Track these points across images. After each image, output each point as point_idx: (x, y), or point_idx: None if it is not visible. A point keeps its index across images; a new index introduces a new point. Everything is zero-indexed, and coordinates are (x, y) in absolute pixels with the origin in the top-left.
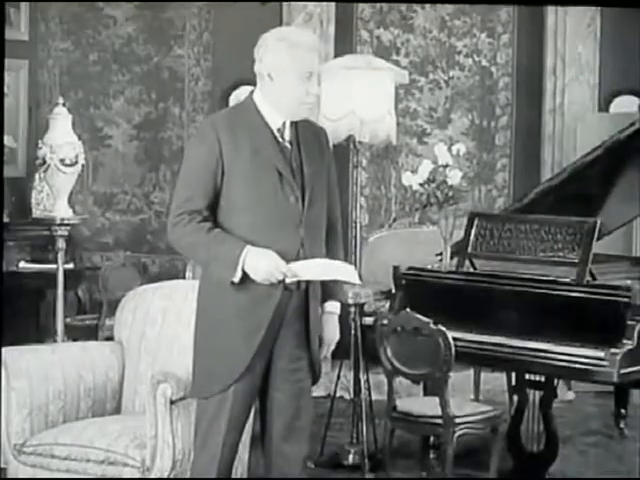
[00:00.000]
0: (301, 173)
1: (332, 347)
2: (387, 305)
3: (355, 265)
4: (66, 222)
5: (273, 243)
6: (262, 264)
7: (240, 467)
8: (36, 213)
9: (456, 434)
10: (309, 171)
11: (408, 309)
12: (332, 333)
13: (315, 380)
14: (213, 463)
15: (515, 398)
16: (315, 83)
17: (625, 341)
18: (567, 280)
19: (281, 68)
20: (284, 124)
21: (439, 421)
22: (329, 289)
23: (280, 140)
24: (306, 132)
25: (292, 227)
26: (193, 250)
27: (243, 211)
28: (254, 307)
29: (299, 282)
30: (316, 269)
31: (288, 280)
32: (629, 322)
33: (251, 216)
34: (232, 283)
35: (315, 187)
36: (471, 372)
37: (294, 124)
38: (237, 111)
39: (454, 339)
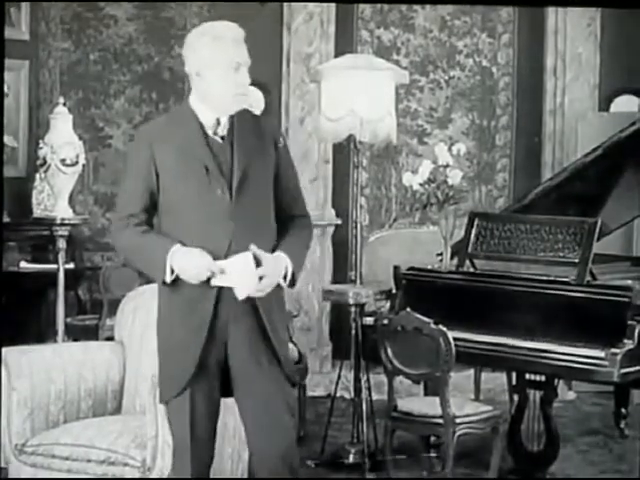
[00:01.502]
0: (231, 167)
1: (262, 286)
2: (387, 305)
3: (356, 265)
4: (67, 222)
5: (203, 240)
6: (188, 263)
7: (240, 467)
8: (37, 213)
9: (456, 434)
10: (241, 164)
11: (408, 309)
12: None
13: (289, 378)
14: (185, 468)
15: (515, 398)
16: (244, 74)
17: (625, 341)
18: (567, 280)
19: (205, 64)
20: (218, 120)
21: (439, 421)
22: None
23: (211, 136)
24: (244, 125)
25: (220, 221)
26: (129, 253)
27: (174, 211)
28: (193, 307)
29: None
30: (242, 265)
31: (215, 281)
32: (629, 322)
33: (181, 215)
34: (165, 284)
35: (250, 179)
36: (471, 372)
37: (231, 118)
38: (172, 115)
39: (454, 339)
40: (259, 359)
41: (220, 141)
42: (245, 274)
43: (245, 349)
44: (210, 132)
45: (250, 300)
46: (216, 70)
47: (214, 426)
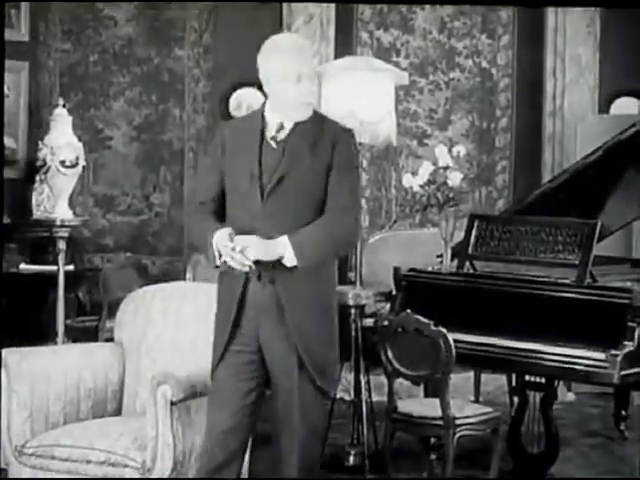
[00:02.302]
0: (274, 170)
1: (247, 252)
2: (387, 306)
3: (356, 266)
4: (66, 223)
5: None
6: (218, 241)
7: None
8: (36, 214)
9: (456, 435)
10: (283, 167)
11: (409, 310)
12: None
13: (317, 386)
14: (211, 436)
15: (515, 399)
16: (306, 83)
17: (625, 342)
18: (567, 282)
19: (271, 73)
20: (282, 125)
21: (439, 422)
22: None
23: (267, 140)
24: (304, 128)
25: (252, 223)
26: (193, 237)
27: (229, 207)
28: (227, 296)
29: (261, 272)
30: (259, 249)
31: (236, 250)
32: (629, 324)
33: (231, 212)
34: (217, 268)
35: (290, 180)
36: (471, 373)
37: (295, 124)
38: (247, 116)
39: (454, 340)
40: (287, 360)
41: (274, 146)
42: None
43: (274, 345)
44: (269, 136)
45: (274, 296)
46: (278, 81)
47: (236, 411)
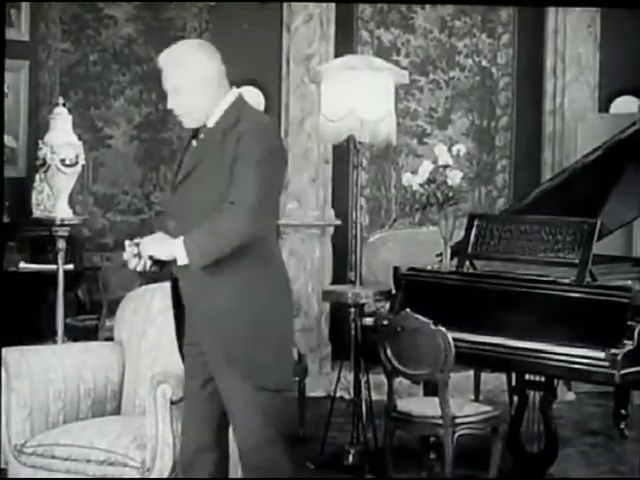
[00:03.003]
0: (185, 169)
1: (142, 249)
2: (387, 306)
3: (356, 265)
4: (66, 222)
5: None
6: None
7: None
8: (36, 213)
9: (456, 434)
10: (189, 165)
11: (408, 310)
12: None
13: (246, 377)
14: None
15: (515, 398)
16: (171, 97)
17: (625, 341)
18: (567, 281)
19: None
20: (204, 125)
21: (439, 421)
22: None
23: (192, 142)
24: (220, 130)
25: (170, 219)
26: None
27: None
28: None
29: (157, 270)
30: (153, 245)
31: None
32: (629, 323)
33: None
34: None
35: (195, 177)
36: (471, 372)
37: (216, 123)
38: None
39: (454, 339)
40: (212, 352)
41: (195, 144)
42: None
43: (201, 339)
44: (194, 140)
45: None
46: None
47: (211, 400)
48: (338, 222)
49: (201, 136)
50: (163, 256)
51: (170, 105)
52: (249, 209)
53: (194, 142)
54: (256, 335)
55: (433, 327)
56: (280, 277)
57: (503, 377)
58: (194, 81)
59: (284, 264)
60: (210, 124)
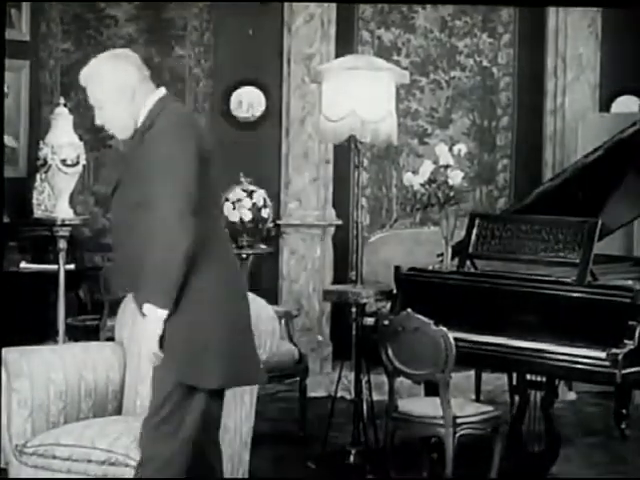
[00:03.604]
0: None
1: (151, 357)
2: (388, 305)
3: (356, 265)
4: (67, 222)
5: None
6: None
7: (241, 470)
8: (37, 213)
9: (457, 434)
10: (116, 181)
11: (409, 309)
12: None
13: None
14: None
15: (516, 398)
16: (96, 113)
17: (626, 341)
18: (568, 280)
19: None
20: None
21: (440, 421)
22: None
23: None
24: (134, 136)
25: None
26: None
27: None
28: None
29: None
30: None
31: None
32: (630, 322)
33: None
34: None
35: (118, 195)
36: (472, 372)
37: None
38: None
39: (455, 339)
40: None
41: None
42: None
43: None
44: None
45: None
46: None
47: None
48: (339, 222)
49: (128, 142)
50: (157, 334)
51: (97, 121)
52: (175, 220)
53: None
54: (184, 335)
55: (434, 327)
56: (222, 279)
57: (504, 377)
58: (112, 92)
59: (231, 263)
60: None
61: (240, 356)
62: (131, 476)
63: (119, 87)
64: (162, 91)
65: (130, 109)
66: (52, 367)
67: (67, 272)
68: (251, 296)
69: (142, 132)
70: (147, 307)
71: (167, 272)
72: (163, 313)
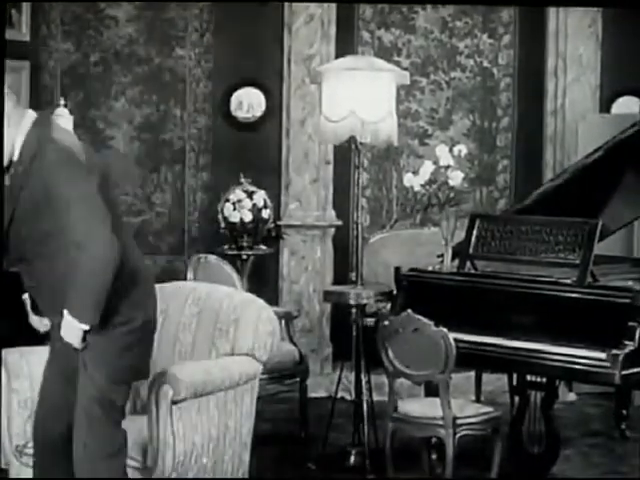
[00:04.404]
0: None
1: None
2: (388, 306)
3: (357, 266)
4: None
5: None
6: None
7: (241, 470)
8: None
9: (457, 435)
10: (10, 208)
11: (409, 310)
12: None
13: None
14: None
15: (516, 399)
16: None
17: (626, 342)
18: (568, 281)
19: None
20: (9, 165)
21: (440, 422)
22: None
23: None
24: (18, 164)
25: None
26: None
27: None
28: None
29: None
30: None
31: None
32: (630, 323)
33: None
34: None
35: (17, 223)
36: (472, 373)
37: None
38: None
39: (455, 340)
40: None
41: (8, 185)
42: None
43: None
44: (6, 177)
45: None
46: None
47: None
48: (339, 223)
49: (11, 171)
50: (74, 341)
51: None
52: (95, 237)
53: (6, 179)
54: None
55: (434, 328)
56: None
57: (504, 378)
58: None
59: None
60: (15, 157)
61: None
62: (131, 476)
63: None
64: (31, 116)
65: (5, 136)
66: None
67: None
68: (251, 297)
69: (27, 161)
70: (68, 319)
71: (95, 287)
72: (83, 326)
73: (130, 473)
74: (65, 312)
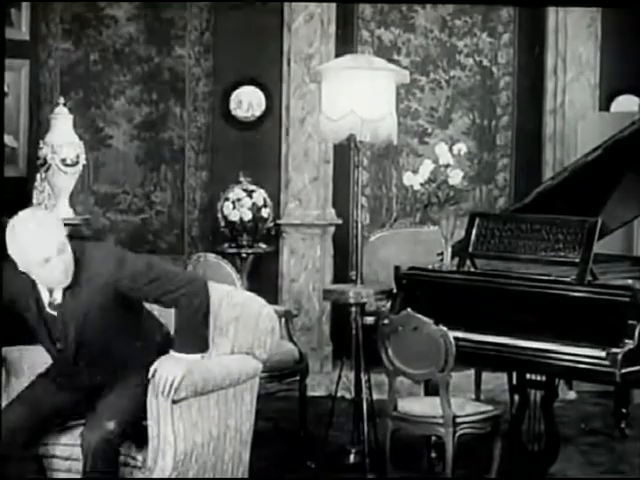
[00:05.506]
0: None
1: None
2: (388, 305)
3: (356, 264)
4: (67, 222)
5: None
6: None
7: (241, 469)
8: None
9: (457, 434)
10: (71, 328)
11: (409, 309)
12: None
13: None
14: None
15: (516, 398)
16: (54, 262)
17: (626, 340)
18: (568, 280)
19: (17, 259)
20: (51, 292)
21: (440, 421)
22: None
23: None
24: (77, 286)
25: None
26: None
27: None
28: None
29: None
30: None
31: None
32: (630, 322)
33: None
34: None
35: (88, 330)
36: (472, 372)
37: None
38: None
39: (455, 339)
40: None
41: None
42: None
43: None
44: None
45: None
46: (26, 266)
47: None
48: (339, 221)
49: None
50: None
51: (59, 269)
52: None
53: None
54: None
55: (434, 326)
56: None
57: (504, 376)
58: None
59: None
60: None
61: None
62: (132, 476)
63: (62, 237)
64: None
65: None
66: None
67: None
68: (251, 295)
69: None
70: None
71: (201, 319)
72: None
73: (130, 472)
74: (172, 352)
